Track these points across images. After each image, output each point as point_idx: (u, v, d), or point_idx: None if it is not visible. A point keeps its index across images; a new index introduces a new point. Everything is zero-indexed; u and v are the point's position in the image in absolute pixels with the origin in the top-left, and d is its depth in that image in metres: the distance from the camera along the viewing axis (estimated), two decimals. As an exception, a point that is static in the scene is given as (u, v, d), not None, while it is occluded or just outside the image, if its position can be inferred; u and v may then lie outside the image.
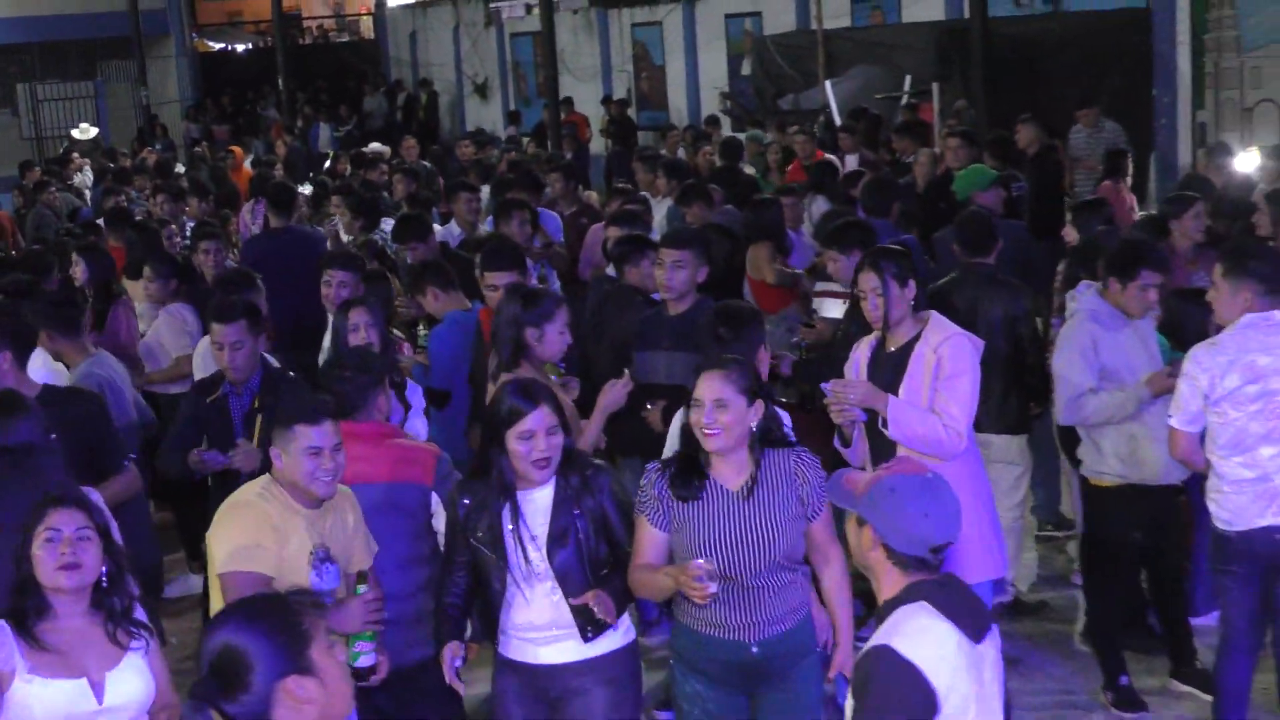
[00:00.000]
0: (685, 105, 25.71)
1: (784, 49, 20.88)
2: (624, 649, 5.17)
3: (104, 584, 4.45)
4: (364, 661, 4.98)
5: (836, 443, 6.27)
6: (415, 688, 5.51)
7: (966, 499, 5.82)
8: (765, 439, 5.05)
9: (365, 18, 39.63)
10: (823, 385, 6.01)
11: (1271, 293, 5.84)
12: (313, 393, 7.05)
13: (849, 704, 3.63)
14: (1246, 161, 12.52)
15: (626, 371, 6.63)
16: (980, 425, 6.62)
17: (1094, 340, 6.75)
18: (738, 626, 4.97)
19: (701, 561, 4.72)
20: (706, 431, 4.92)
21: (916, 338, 6.02)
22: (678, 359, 6.96)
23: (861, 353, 6.25)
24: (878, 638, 3.61)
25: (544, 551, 4.98)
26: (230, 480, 6.40)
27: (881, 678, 3.53)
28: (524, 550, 4.99)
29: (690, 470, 4.99)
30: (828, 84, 18.95)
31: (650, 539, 5.05)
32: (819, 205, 11.54)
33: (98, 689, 4.41)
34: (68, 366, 7.69)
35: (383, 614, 5.02)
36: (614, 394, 6.37)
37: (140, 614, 4.60)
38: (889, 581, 3.71)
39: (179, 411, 7.40)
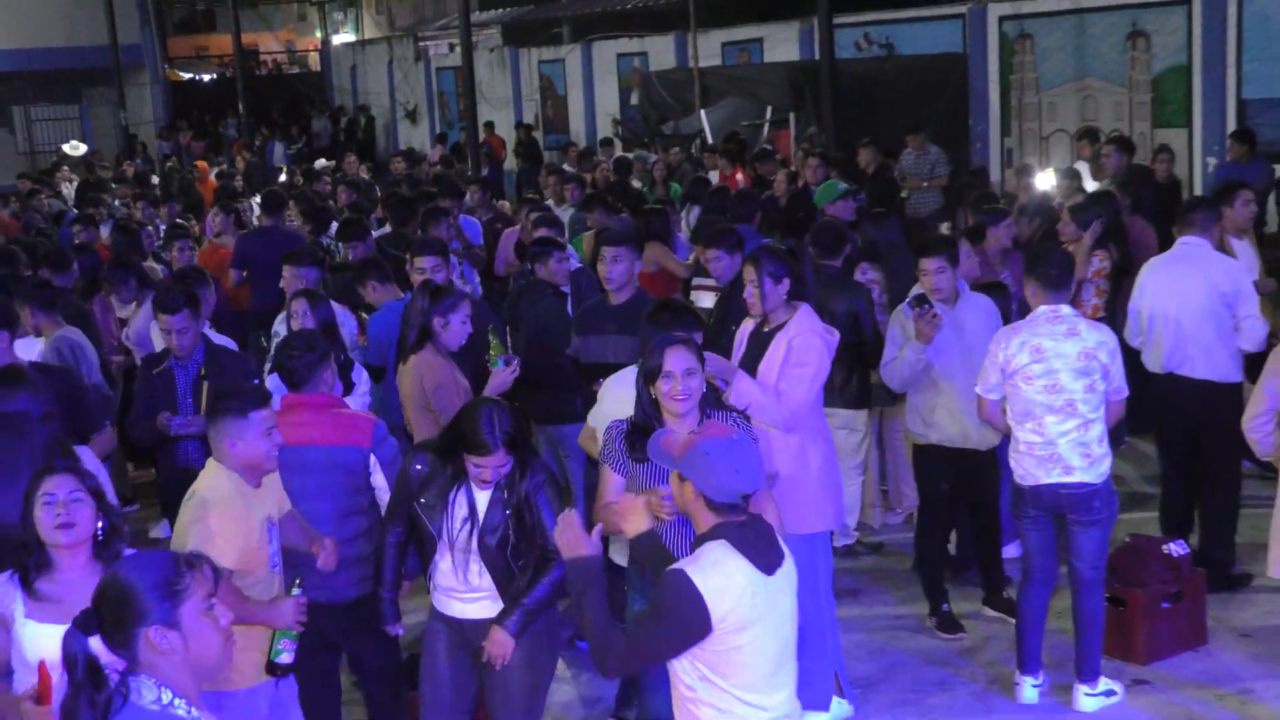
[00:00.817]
0: (584, 129, 25.64)
1: (666, 83, 20.89)
2: None
3: (100, 538, 4.34)
4: (284, 659, 4.73)
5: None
6: (355, 619, 5.47)
7: (812, 461, 5.97)
8: (714, 403, 5.02)
9: (313, 53, 39.16)
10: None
11: (1054, 288, 5.99)
12: (249, 371, 7.14)
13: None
14: (1044, 180, 12.80)
15: (516, 359, 6.57)
16: (828, 402, 6.71)
17: (903, 322, 6.93)
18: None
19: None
20: (679, 398, 4.79)
21: (782, 325, 6.00)
22: (623, 342, 6.87)
23: (745, 329, 6.24)
24: (682, 564, 3.75)
25: (477, 538, 4.89)
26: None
27: (671, 595, 3.67)
28: (459, 530, 4.91)
29: (645, 434, 4.68)
30: (702, 112, 19.02)
31: (612, 482, 5.01)
32: (694, 213, 11.58)
33: None
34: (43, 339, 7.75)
35: (305, 618, 4.80)
36: (502, 377, 6.33)
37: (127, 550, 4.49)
38: (704, 521, 3.79)
39: (135, 385, 7.33)
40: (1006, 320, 7.00)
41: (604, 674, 3.86)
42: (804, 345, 5.87)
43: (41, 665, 4.16)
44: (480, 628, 4.97)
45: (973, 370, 6.55)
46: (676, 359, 4.79)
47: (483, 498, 4.91)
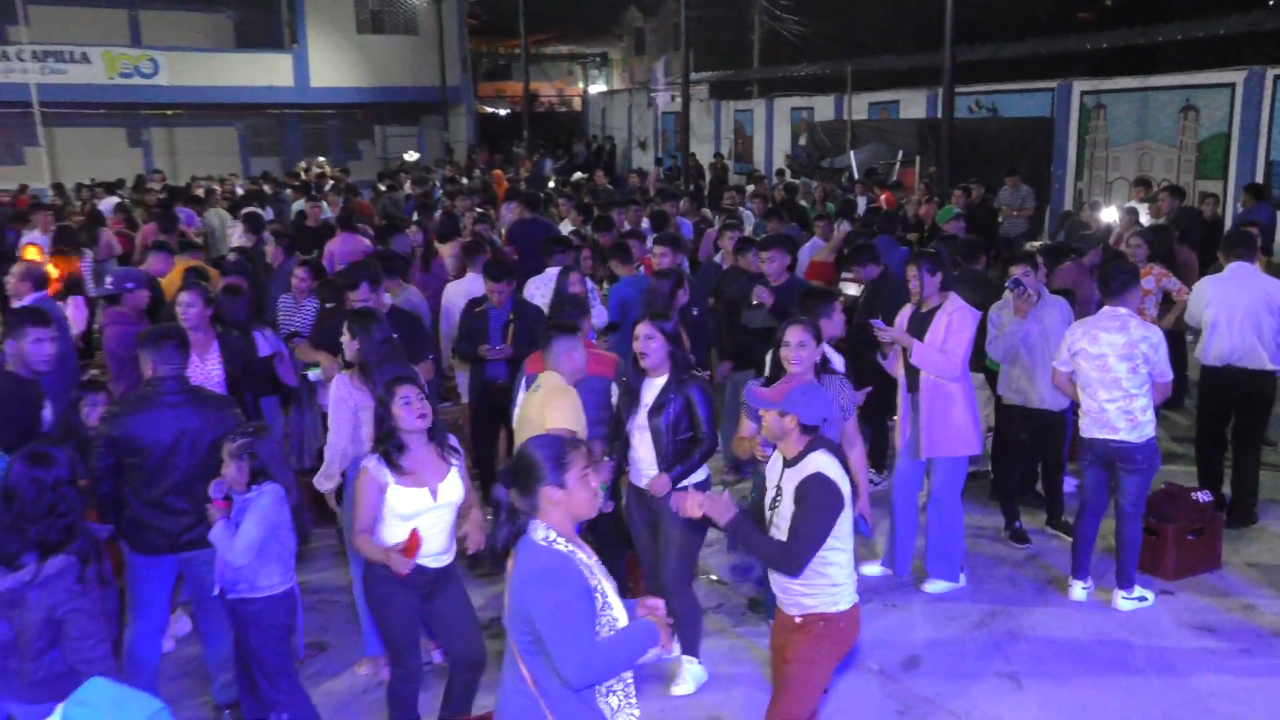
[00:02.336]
0: (763, 161, 25.29)
1: (826, 130, 20.43)
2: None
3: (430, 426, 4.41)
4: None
5: (879, 357, 6.34)
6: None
7: (963, 404, 5.94)
8: (824, 368, 5.04)
9: (576, 98, 39.50)
10: (872, 321, 6.06)
11: (1114, 294, 5.78)
12: (542, 316, 7.22)
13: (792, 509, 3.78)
14: (1109, 214, 12.21)
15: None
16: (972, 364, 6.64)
17: (998, 309, 6.74)
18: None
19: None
20: (791, 361, 4.92)
21: (939, 307, 5.99)
22: (774, 316, 7.01)
23: (906, 312, 6.19)
24: (805, 469, 3.76)
25: (646, 415, 5.00)
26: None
27: (817, 492, 3.72)
28: (638, 412, 5.04)
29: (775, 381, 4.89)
30: (851, 153, 18.55)
31: (746, 423, 5.10)
32: (844, 225, 11.29)
33: (434, 492, 4.36)
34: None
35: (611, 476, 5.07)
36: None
37: (454, 441, 4.56)
38: (797, 443, 3.84)
39: (460, 320, 7.39)
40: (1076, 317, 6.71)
41: (794, 574, 3.79)
42: (961, 319, 5.92)
43: (414, 532, 4.29)
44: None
45: (1049, 352, 6.37)
46: (793, 334, 4.99)
47: (657, 383, 5.01)
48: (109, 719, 2.46)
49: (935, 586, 6.13)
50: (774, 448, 4.02)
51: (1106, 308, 5.81)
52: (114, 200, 15.68)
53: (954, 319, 5.89)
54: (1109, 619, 5.80)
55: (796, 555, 3.73)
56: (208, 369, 6.03)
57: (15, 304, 7.20)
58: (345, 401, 5.10)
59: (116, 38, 27.89)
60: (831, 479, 3.72)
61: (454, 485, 4.41)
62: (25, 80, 23.44)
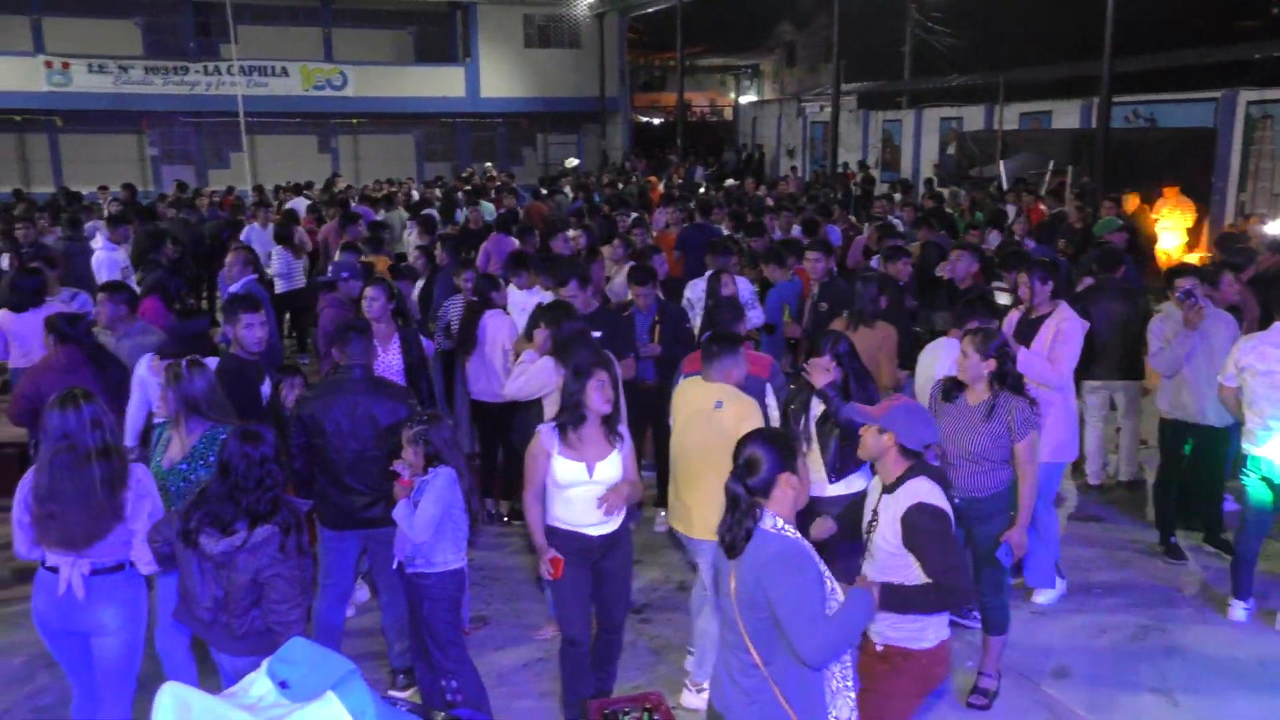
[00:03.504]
0: (910, 170, 24.63)
1: (975, 139, 19.76)
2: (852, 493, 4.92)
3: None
4: None
5: None
6: None
7: (1061, 411, 5.62)
8: (1003, 383, 4.70)
9: (727, 107, 39.35)
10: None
11: None
12: (688, 318, 7.17)
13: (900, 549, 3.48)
14: (1276, 227, 11.36)
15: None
16: (1105, 374, 6.29)
17: (1161, 321, 6.39)
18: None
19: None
20: (969, 371, 4.70)
21: (1048, 314, 5.74)
22: (943, 317, 6.88)
23: (1013, 317, 5.95)
24: (904, 499, 3.46)
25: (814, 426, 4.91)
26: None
27: (929, 519, 3.40)
28: (808, 425, 4.92)
29: (954, 388, 4.79)
30: (1001, 163, 17.89)
31: None
32: (993, 237, 10.88)
33: (590, 469, 4.42)
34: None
35: None
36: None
37: (624, 429, 4.60)
38: (896, 466, 3.55)
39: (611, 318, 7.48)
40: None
41: (967, 603, 3.70)
42: (1071, 329, 5.64)
43: (556, 557, 4.40)
44: (824, 502, 4.88)
45: (1214, 367, 5.96)
46: (969, 343, 4.71)
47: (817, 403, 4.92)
48: (308, 674, 2.55)
49: (1043, 597, 5.82)
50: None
51: (1277, 324, 5.43)
52: (304, 201, 16.46)
53: (1064, 328, 5.64)
54: (1272, 641, 5.39)
55: (954, 588, 3.39)
56: (389, 359, 6.23)
57: (231, 288, 7.66)
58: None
59: (312, 53, 29.25)
60: (937, 506, 3.42)
61: (613, 466, 4.45)
62: (233, 92, 24.83)
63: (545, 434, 4.45)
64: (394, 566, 4.65)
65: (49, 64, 25.97)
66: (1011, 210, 13.78)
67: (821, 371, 4.84)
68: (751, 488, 3.13)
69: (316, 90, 28.58)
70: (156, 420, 4.74)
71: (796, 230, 10.95)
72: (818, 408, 4.91)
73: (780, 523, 3.12)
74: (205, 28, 28.10)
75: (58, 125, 27.74)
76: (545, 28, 31.36)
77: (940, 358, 5.59)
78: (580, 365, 4.45)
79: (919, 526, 3.40)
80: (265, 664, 2.60)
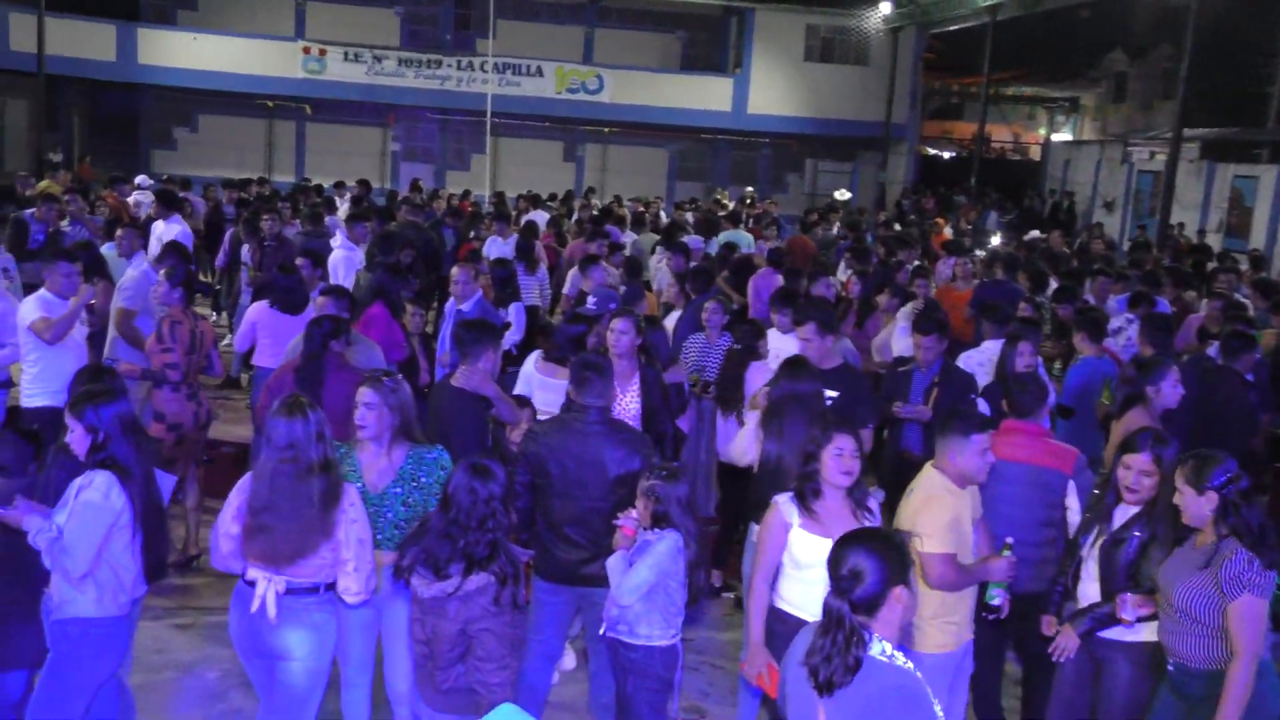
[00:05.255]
0: (1264, 239, 22.92)
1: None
2: None
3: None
4: (997, 601, 4.73)
5: None
6: (1028, 607, 5.11)
7: None
8: (1229, 526, 4.14)
9: (1034, 146, 38.16)
10: None
11: None
12: (971, 388, 6.95)
13: None
14: None
15: None
16: None
17: None
18: None
19: None
20: (1187, 510, 4.24)
21: None
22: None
23: None
24: None
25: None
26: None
27: None
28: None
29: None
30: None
31: None
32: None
33: None
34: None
35: (1015, 572, 4.71)
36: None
37: (874, 504, 4.56)
38: None
39: (884, 377, 7.41)
40: None
41: None
42: None
43: (771, 667, 4.34)
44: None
45: None
46: None
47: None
48: None
49: None
50: None
51: None
52: (543, 214, 17.20)
53: None
54: None
55: None
56: (625, 401, 6.38)
57: (462, 307, 8.08)
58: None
59: (570, 54, 30.75)
60: None
61: None
62: (484, 90, 26.44)
63: (784, 504, 4.45)
64: (601, 631, 4.73)
65: (306, 50, 28.64)
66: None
67: (1137, 476, 4.56)
68: (856, 605, 2.96)
69: (570, 93, 29.98)
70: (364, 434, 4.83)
71: (1116, 301, 10.42)
72: (1120, 518, 4.62)
73: (889, 649, 2.94)
74: (464, 20, 30.15)
75: (307, 113, 30.50)
76: (829, 40, 31.53)
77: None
78: (820, 432, 4.45)
79: None
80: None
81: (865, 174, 32.94)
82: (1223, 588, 3.96)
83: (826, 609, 3.00)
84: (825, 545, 4.26)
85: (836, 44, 31.63)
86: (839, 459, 4.40)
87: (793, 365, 5.75)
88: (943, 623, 4.62)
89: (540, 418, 5.81)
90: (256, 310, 8.08)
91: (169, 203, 12.33)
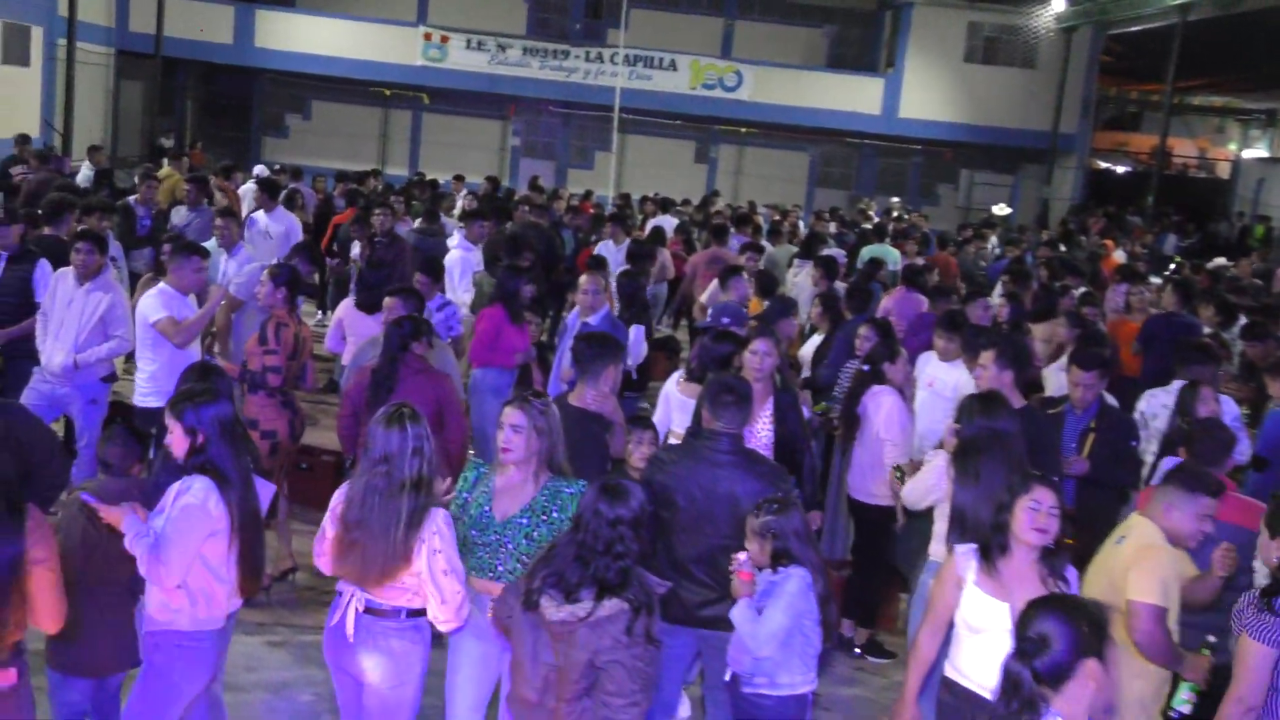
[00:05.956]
0: None
1: None
2: None
3: (1049, 546, 4.25)
4: (1184, 709, 4.42)
5: None
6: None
7: None
8: None
9: (1222, 162, 36.89)
10: None
11: None
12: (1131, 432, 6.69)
13: None
14: None
15: None
16: None
17: None
18: None
19: None
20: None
21: None
22: None
23: None
24: None
25: None
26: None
27: None
28: None
29: None
30: None
31: None
32: None
33: (1014, 612, 4.15)
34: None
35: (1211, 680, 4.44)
36: None
37: (1072, 577, 4.36)
38: None
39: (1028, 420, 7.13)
40: None
41: None
42: None
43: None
44: None
45: None
46: None
47: None
48: None
49: None
50: None
51: None
52: (672, 220, 17.18)
53: None
54: None
55: None
56: (756, 428, 6.30)
57: (585, 318, 8.08)
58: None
59: (707, 47, 30.85)
60: None
61: None
62: (612, 84, 26.69)
63: (962, 556, 4.32)
64: (727, 678, 4.66)
65: (428, 36, 29.32)
66: None
67: None
68: (1040, 673, 2.84)
69: (705, 89, 30.05)
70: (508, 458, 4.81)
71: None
72: None
73: None
74: (595, 8, 30.49)
75: (424, 103, 31.19)
76: (994, 40, 30.99)
77: None
78: (1017, 482, 4.28)
79: None
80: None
81: (1027, 188, 32.24)
82: None
83: (1005, 672, 2.94)
84: (1000, 610, 4.18)
85: (1001, 44, 31.07)
86: (1033, 514, 4.18)
87: (988, 400, 5.55)
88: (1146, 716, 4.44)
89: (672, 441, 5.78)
90: (344, 308, 8.27)
91: (272, 193, 12.31)
